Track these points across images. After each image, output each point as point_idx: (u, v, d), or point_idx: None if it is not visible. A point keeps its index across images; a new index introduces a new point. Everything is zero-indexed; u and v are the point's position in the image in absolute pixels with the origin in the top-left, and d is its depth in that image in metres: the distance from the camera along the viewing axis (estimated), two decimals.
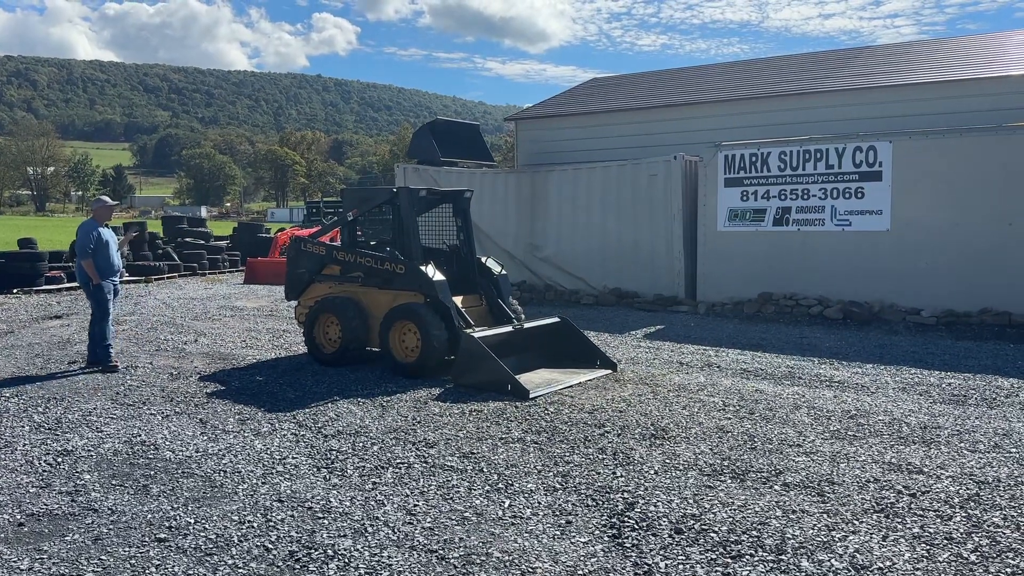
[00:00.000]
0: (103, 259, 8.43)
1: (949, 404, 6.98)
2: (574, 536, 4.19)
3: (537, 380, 7.68)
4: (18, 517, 4.45)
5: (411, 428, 6.18)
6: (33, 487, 4.92)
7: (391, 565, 3.86)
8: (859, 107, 14.76)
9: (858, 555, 3.93)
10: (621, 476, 5.08)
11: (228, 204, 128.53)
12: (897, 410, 6.75)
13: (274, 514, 4.47)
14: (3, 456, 5.50)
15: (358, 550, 4.01)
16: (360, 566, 3.85)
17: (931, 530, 4.23)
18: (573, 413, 6.62)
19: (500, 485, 4.94)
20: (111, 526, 4.32)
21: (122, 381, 7.84)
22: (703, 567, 3.83)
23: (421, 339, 7.86)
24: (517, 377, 7.31)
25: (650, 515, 4.44)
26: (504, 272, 9.00)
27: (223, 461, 5.40)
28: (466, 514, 4.49)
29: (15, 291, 15.37)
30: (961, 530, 4.23)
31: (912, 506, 4.57)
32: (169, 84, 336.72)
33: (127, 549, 4.04)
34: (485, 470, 5.21)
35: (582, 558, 3.94)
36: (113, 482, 5.00)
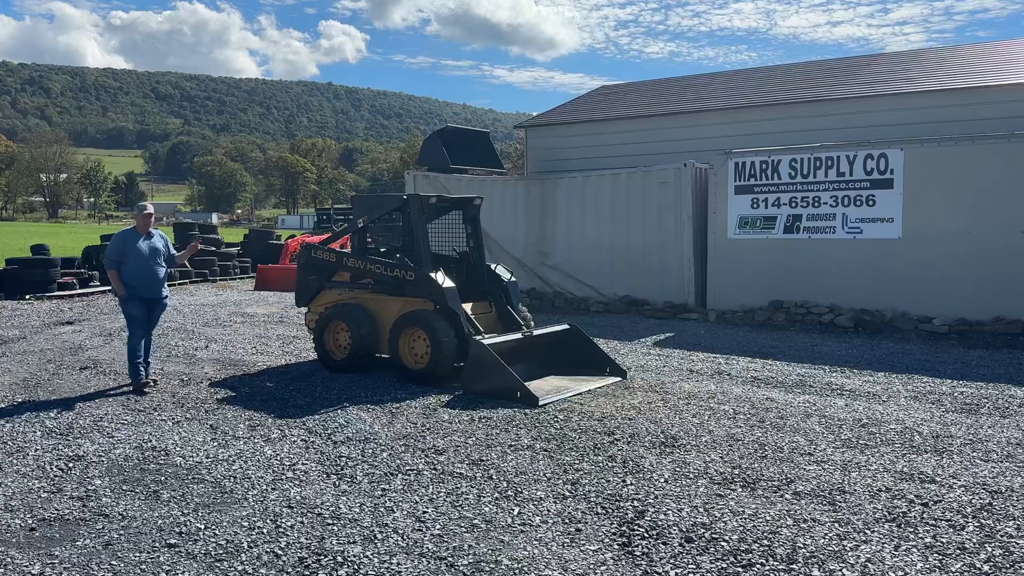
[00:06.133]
0: (132, 271, 7.70)
1: (961, 413, 6.93)
2: (584, 544, 4.18)
3: (546, 387, 7.67)
4: (30, 522, 4.47)
5: (420, 435, 6.18)
6: (44, 492, 4.94)
7: (400, 572, 3.86)
8: (869, 115, 14.72)
9: (870, 565, 3.90)
10: (631, 484, 5.07)
11: (239, 211, 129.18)
12: (909, 419, 6.71)
13: (284, 520, 4.48)
14: (15, 461, 5.53)
15: (367, 557, 4.01)
16: (370, 573, 3.85)
17: (944, 540, 4.20)
18: (583, 421, 6.61)
19: (509, 492, 4.93)
20: (122, 531, 4.34)
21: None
22: None
23: (431, 346, 7.87)
24: (526, 384, 7.31)
25: (660, 524, 4.42)
26: (514, 279, 9.01)
27: (233, 467, 5.42)
28: (475, 521, 4.48)
29: (28, 297, 15.48)
30: (974, 540, 4.20)
31: (924, 516, 4.54)
32: (181, 92, 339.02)
33: (138, 555, 4.05)
34: (494, 477, 5.21)
35: (592, 566, 3.93)
36: (124, 487, 5.02)
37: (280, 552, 4.08)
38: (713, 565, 3.92)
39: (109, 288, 16.06)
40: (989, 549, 4.09)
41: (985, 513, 4.58)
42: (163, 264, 7.93)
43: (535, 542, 4.21)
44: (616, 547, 4.15)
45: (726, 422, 6.60)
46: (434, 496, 4.87)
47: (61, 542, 4.22)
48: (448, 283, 8.11)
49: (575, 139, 18.58)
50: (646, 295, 13.90)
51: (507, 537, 4.27)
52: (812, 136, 14.08)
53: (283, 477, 5.22)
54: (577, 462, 5.52)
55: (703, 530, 4.33)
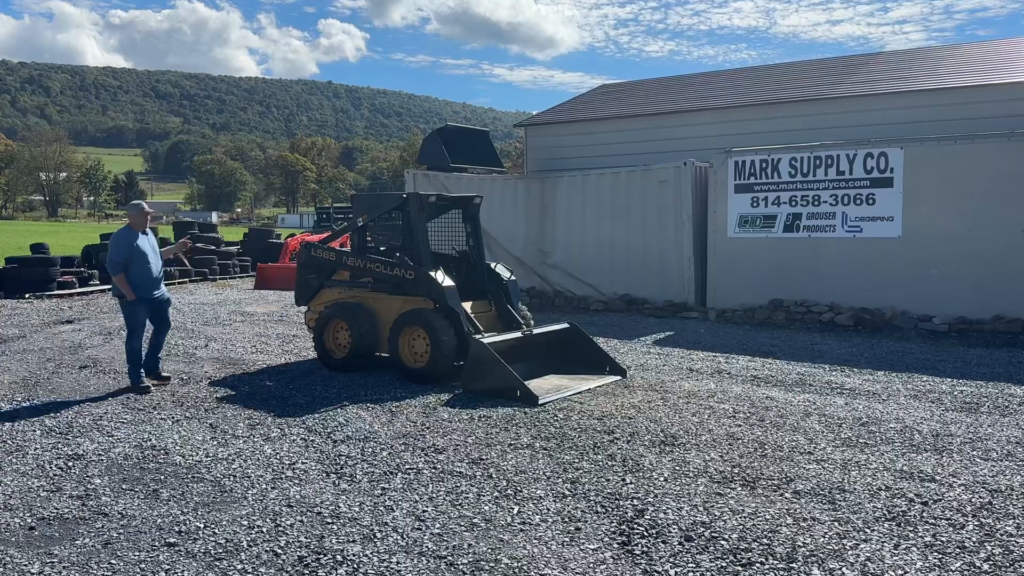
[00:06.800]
0: (139, 272, 7.54)
1: (961, 412, 6.93)
2: (583, 543, 4.18)
3: (546, 386, 7.67)
4: (29, 521, 4.47)
5: (420, 434, 6.18)
6: (44, 491, 4.94)
7: (400, 571, 3.86)
8: (869, 113, 14.72)
9: (870, 564, 3.90)
10: (631, 483, 5.07)
11: (239, 210, 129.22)
12: (909, 418, 6.71)
13: (283, 519, 4.48)
14: (15, 460, 5.53)
15: (367, 556, 4.01)
16: (369, 572, 3.85)
17: (943, 539, 4.20)
18: (582, 419, 6.60)
19: (509, 491, 4.93)
20: (121, 530, 4.34)
21: None
22: (713, 575, 3.81)
23: (430, 345, 7.86)
24: (526, 383, 7.30)
25: (660, 522, 4.42)
26: (513, 278, 9.00)
27: (233, 466, 5.41)
28: (475, 520, 4.48)
29: (27, 296, 15.47)
30: (974, 539, 4.20)
31: (924, 514, 4.53)
32: (181, 90, 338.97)
33: (137, 554, 4.05)
34: (494, 476, 5.20)
35: (591, 565, 3.93)
36: (123, 486, 5.02)
37: (279, 551, 4.07)
38: (713, 564, 3.92)
39: (109, 288, 16.07)
40: (989, 548, 4.09)
41: (985, 512, 4.58)
42: (160, 260, 7.88)
43: (535, 541, 4.20)
44: (616, 546, 4.15)
45: (726, 421, 6.59)
46: (434, 495, 4.87)
47: (60, 541, 4.22)
48: (448, 282, 8.10)
49: (575, 138, 18.57)
50: (646, 294, 13.90)
51: (507, 536, 4.27)
52: (812, 135, 14.08)
53: (282, 476, 5.21)
54: (577, 461, 5.51)
55: (703, 529, 4.32)
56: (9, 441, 5.95)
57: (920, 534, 4.26)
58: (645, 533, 4.28)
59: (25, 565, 3.92)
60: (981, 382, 8.12)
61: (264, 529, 4.34)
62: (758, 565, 3.90)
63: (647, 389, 7.79)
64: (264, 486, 5.02)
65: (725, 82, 19.28)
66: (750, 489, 4.95)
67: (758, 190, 12.71)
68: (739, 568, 3.87)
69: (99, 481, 5.11)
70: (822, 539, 4.19)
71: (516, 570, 3.87)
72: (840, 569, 3.84)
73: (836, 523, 4.41)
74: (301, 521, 4.46)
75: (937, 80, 14.95)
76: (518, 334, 8.16)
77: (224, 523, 4.42)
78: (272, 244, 24.56)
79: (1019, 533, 4.27)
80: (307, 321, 9.28)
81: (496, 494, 4.88)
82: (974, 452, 5.73)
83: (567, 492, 4.92)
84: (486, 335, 7.94)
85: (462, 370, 7.71)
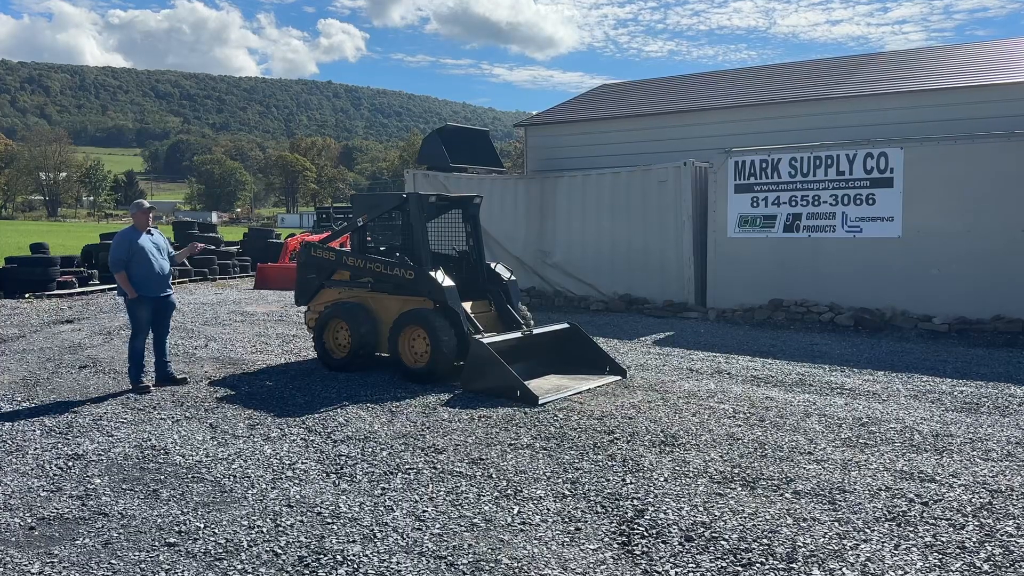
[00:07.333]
0: (141, 271, 7.53)
1: (961, 412, 6.93)
2: (583, 543, 4.18)
3: (546, 386, 7.67)
4: (29, 521, 4.47)
5: (420, 434, 6.18)
6: (44, 491, 4.94)
7: (400, 571, 3.85)
8: (869, 113, 14.72)
9: (870, 564, 3.90)
10: (631, 483, 5.06)
11: (239, 210, 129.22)
12: (909, 418, 6.71)
13: (283, 519, 4.48)
14: (15, 460, 5.52)
15: (367, 556, 4.01)
16: (369, 572, 3.85)
17: (944, 539, 4.20)
18: (582, 419, 6.60)
19: (509, 491, 4.93)
20: (121, 530, 4.34)
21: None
22: (713, 575, 3.81)
23: (430, 345, 7.86)
24: (526, 383, 7.30)
25: (660, 522, 4.42)
26: (513, 278, 9.00)
27: (233, 466, 5.41)
28: (475, 520, 4.48)
29: (27, 295, 15.47)
30: (974, 539, 4.20)
31: (924, 515, 4.53)
32: (180, 90, 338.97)
33: (137, 553, 4.05)
34: (494, 476, 5.20)
35: (591, 565, 3.93)
36: (123, 486, 5.02)
37: (280, 551, 4.07)
38: (713, 564, 3.92)
39: (109, 287, 16.08)
40: (989, 548, 4.09)
41: (985, 512, 4.58)
42: (167, 261, 7.86)
43: (535, 541, 4.20)
44: (616, 546, 4.15)
45: (726, 421, 6.59)
46: (434, 495, 4.87)
47: (60, 541, 4.22)
48: (448, 282, 8.10)
49: (575, 138, 18.56)
50: (646, 294, 13.90)
51: (507, 536, 4.27)
52: (812, 135, 14.08)
53: (282, 476, 5.21)
54: (577, 461, 5.51)
55: (703, 529, 4.32)
56: (9, 441, 5.95)
57: (920, 534, 4.26)
58: (645, 533, 4.28)
59: (25, 565, 3.92)
60: (981, 382, 8.12)
61: (264, 529, 4.34)
62: (758, 565, 3.90)
63: (647, 389, 7.79)
64: (264, 486, 5.02)
65: (725, 82, 19.27)
66: (750, 489, 4.95)
67: (758, 190, 12.71)
68: (739, 568, 3.87)
69: (99, 481, 5.11)
70: (822, 539, 4.19)
71: (516, 570, 3.87)
72: (840, 569, 3.84)
73: (836, 523, 4.41)
74: (301, 521, 4.46)
75: (937, 80, 14.95)
76: (518, 334, 8.16)
77: (224, 523, 4.42)
78: (272, 244, 24.55)
79: (1019, 533, 4.27)
80: (307, 321, 9.27)
81: (496, 494, 4.88)
82: (974, 452, 5.73)
83: (567, 492, 4.91)
84: (486, 335, 7.94)
85: (462, 370, 7.71)
